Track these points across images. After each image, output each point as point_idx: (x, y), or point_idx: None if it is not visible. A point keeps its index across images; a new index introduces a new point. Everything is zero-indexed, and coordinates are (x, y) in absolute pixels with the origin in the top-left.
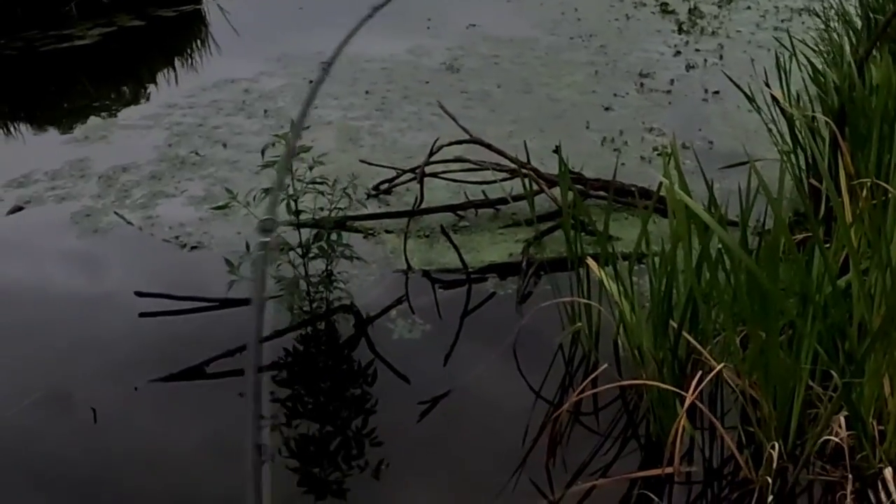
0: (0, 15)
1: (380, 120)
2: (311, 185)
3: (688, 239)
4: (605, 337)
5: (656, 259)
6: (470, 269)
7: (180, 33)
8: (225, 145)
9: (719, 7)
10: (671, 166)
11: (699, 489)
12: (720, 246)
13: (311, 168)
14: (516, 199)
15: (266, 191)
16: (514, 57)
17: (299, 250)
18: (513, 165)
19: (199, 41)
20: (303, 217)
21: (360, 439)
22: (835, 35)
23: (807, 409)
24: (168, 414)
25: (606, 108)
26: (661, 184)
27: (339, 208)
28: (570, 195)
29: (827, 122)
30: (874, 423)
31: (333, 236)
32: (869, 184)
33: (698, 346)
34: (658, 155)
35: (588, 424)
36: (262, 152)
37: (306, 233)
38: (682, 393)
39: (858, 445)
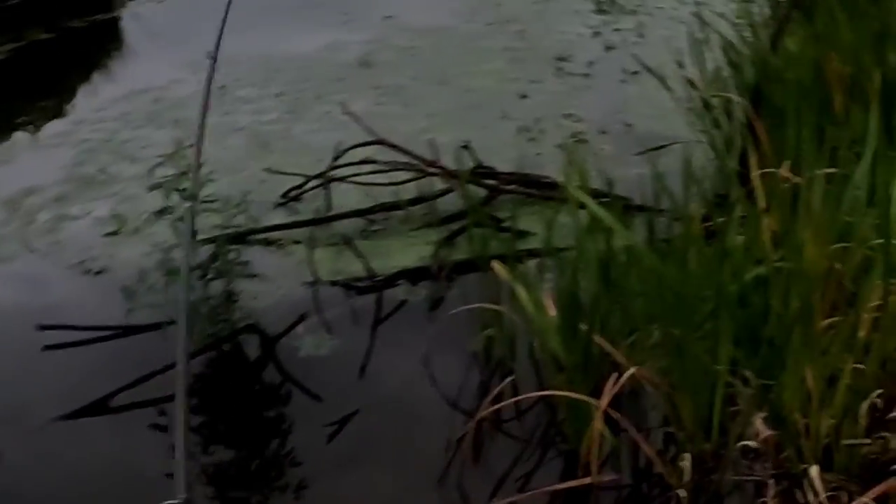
0: None
1: (291, 123)
2: (204, 203)
3: (591, 236)
4: (525, 338)
5: (563, 258)
6: (380, 277)
7: (93, 44)
8: (133, 160)
9: None
10: (572, 162)
11: (627, 494)
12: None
13: (202, 185)
14: (418, 200)
15: (159, 213)
16: (430, 47)
17: (197, 272)
18: (422, 164)
19: (111, 51)
20: (203, 236)
21: (277, 462)
22: (755, 7)
23: (729, 406)
24: (74, 451)
25: (523, 96)
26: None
27: (234, 226)
28: (480, 192)
29: (741, 103)
30: (800, 417)
31: (233, 254)
32: (784, 167)
33: (610, 349)
34: (576, 142)
35: (511, 431)
36: (149, 172)
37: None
38: (594, 402)
39: (782, 443)
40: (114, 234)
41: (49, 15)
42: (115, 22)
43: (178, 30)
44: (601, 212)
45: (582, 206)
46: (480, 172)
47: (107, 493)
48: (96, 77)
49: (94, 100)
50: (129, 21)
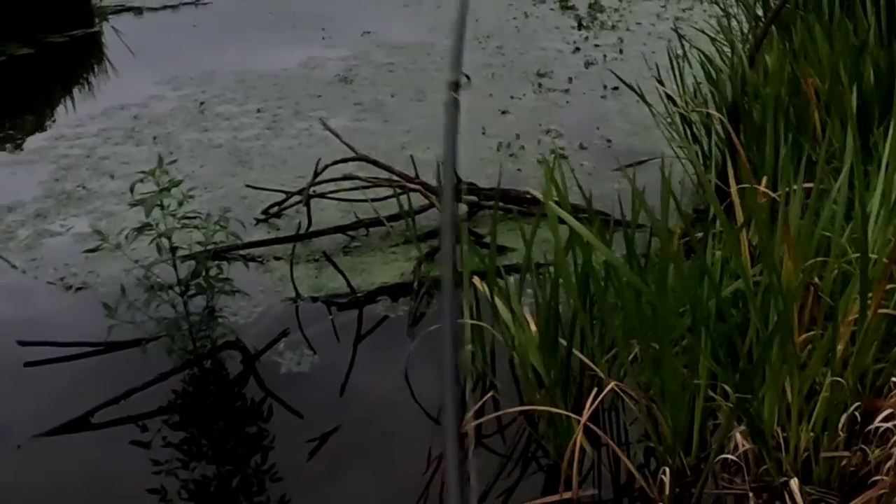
0: None
1: (270, 139)
2: (181, 221)
3: (570, 254)
4: (504, 354)
5: (542, 274)
6: (360, 293)
7: (72, 60)
8: (112, 176)
9: (620, 0)
10: (549, 178)
11: None
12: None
13: (180, 203)
14: (398, 217)
15: (138, 230)
16: (408, 63)
17: (177, 289)
18: (401, 181)
19: (91, 67)
20: (182, 252)
21: (259, 477)
22: (734, 22)
23: (709, 419)
24: (57, 468)
25: (503, 112)
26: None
27: (214, 243)
28: (460, 209)
29: (719, 118)
30: (778, 431)
31: (213, 271)
32: (762, 183)
33: (589, 364)
34: (555, 158)
35: (492, 446)
36: (131, 189)
37: (186, 269)
38: (575, 416)
39: (762, 457)
40: (93, 250)
41: (28, 30)
42: (95, 37)
43: (156, 46)
44: (580, 227)
45: (561, 221)
46: (460, 188)
47: None
48: (76, 93)
49: (73, 116)
50: (110, 36)
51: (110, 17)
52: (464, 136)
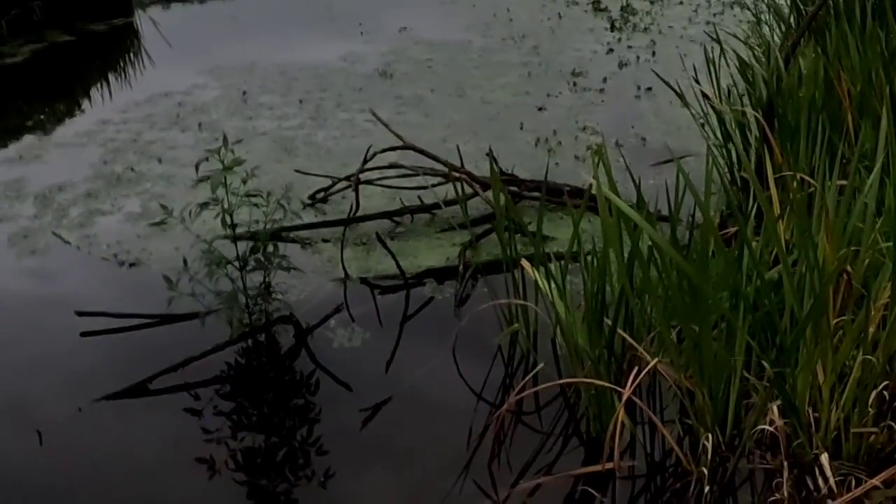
0: None
1: (314, 129)
2: (245, 198)
3: (618, 238)
4: (544, 336)
5: (589, 258)
6: (408, 275)
7: (112, 47)
8: (160, 160)
9: (651, 3)
10: (600, 166)
11: (643, 482)
12: (651, 244)
13: (244, 181)
14: (450, 203)
15: (202, 205)
16: (446, 60)
17: (237, 263)
18: (446, 170)
19: (131, 55)
20: (239, 230)
21: (305, 449)
22: (766, 27)
23: (743, 399)
24: (114, 432)
25: (540, 109)
26: (590, 183)
27: (274, 220)
28: (503, 198)
29: (755, 116)
30: (809, 411)
31: (270, 248)
32: (798, 176)
33: (633, 343)
34: (590, 153)
35: (531, 423)
36: (196, 167)
37: (243, 246)
38: (619, 389)
39: (794, 433)
40: (160, 223)
41: (69, 18)
42: (133, 27)
43: (195, 36)
44: (630, 211)
45: (609, 209)
46: (503, 179)
47: (142, 471)
48: (119, 80)
49: (118, 101)
50: (147, 26)
51: (147, 7)
52: (503, 131)
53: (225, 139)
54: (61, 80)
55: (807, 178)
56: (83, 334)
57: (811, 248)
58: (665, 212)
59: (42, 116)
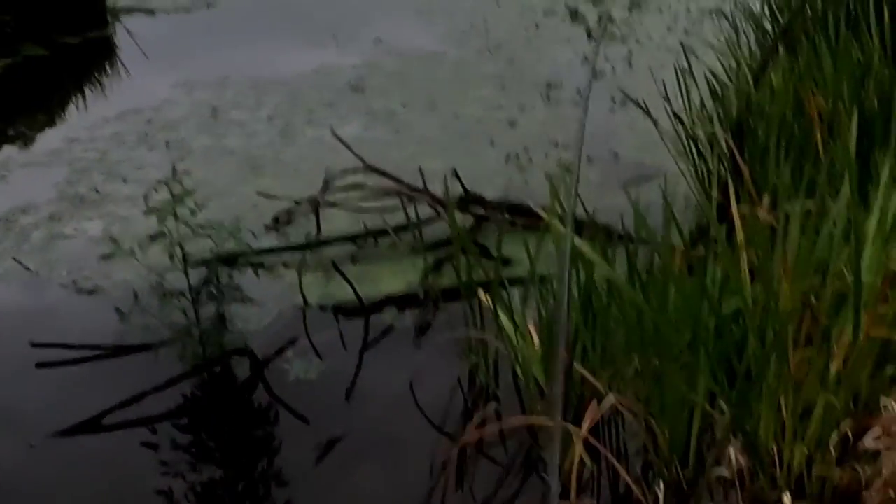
0: None
1: (283, 146)
2: (197, 229)
3: (573, 268)
4: (506, 366)
5: (545, 288)
6: (367, 303)
7: (86, 61)
8: (125, 180)
9: (629, 12)
10: (554, 193)
11: None
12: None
13: (192, 213)
14: (406, 227)
15: (152, 238)
16: (420, 73)
17: (189, 295)
18: (410, 192)
19: (105, 69)
20: (196, 258)
21: (265, 482)
22: (743, 37)
23: (706, 435)
24: (68, 469)
25: (512, 124)
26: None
27: (225, 249)
28: (467, 220)
29: (724, 136)
30: (773, 449)
31: (225, 278)
32: (764, 201)
33: (590, 377)
34: (563, 171)
35: (495, 456)
36: (145, 199)
37: (198, 275)
38: (575, 429)
39: (756, 472)
40: (108, 256)
41: (43, 30)
42: (108, 39)
43: (170, 48)
44: (582, 244)
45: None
46: (468, 200)
47: None
48: (90, 95)
49: (87, 118)
50: (123, 38)
51: (123, 18)
52: (473, 147)
53: (174, 169)
54: (32, 96)
55: (765, 210)
56: (38, 365)
57: (771, 285)
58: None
59: (10, 134)
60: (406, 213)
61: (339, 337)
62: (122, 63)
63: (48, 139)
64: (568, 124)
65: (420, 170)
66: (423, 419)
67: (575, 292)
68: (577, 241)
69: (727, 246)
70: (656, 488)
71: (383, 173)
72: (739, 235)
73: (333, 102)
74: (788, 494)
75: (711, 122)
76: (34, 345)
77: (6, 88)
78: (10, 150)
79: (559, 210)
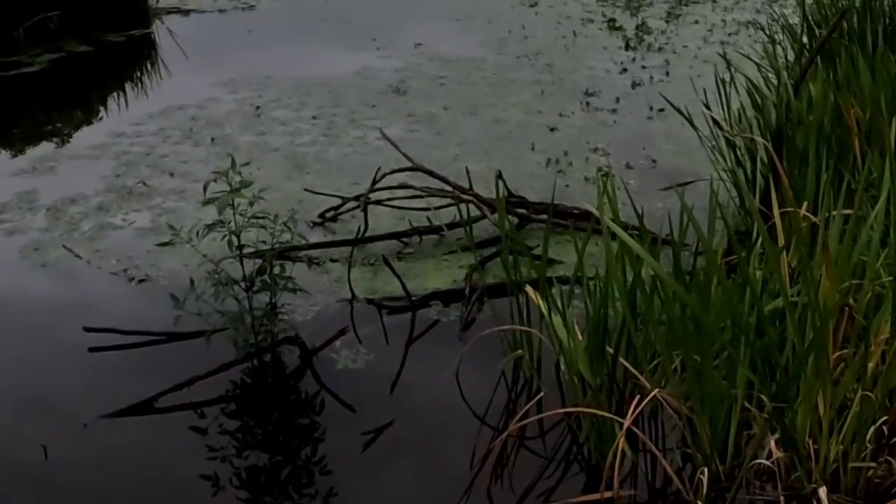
0: None
1: (326, 145)
2: (252, 220)
3: (621, 265)
4: (549, 361)
5: (591, 284)
6: (414, 297)
7: (129, 59)
8: (172, 174)
9: (667, 22)
10: (604, 194)
11: None
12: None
13: (251, 203)
14: (455, 225)
15: (210, 226)
16: (460, 77)
17: (243, 284)
18: (455, 192)
19: (147, 67)
20: (247, 250)
21: (309, 468)
22: (779, 48)
23: (744, 430)
24: (119, 448)
25: (552, 129)
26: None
27: (280, 243)
28: (512, 220)
29: (763, 144)
30: (809, 443)
31: (276, 269)
32: (804, 206)
33: (634, 372)
34: (608, 176)
35: (534, 448)
36: (204, 188)
37: (250, 266)
38: (619, 420)
39: (793, 466)
40: (166, 244)
41: (87, 28)
42: (150, 37)
43: (211, 48)
44: (632, 242)
45: (613, 236)
46: (511, 201)
47: (146, 489)
48: (134, 91)
49: (133, 114)
50: (164, 37)
51: (164, 18)
52: (514, 151)
53: (233, 161)
54: (77, 90)
55: (804, 213)
56: (91, 350)
57: (812, 284)
58: (675, 236)
59: (57, 127)
60: (459, 212)
61: (386, 330)
62: (163, 61)
63: (94, 133)
64: (606, 131)
65: (466, 170)
66: (467, 410)
67: (621, 289)
68: (627, 238)
69: (770, 247)
70: (698, 475)
71: (431, 173)
72: (780, 238)
73: (375, 104)
74: (824, 487)
75: (751, 129)
76: (87, 329)
77: (51, 82)
78: (57, 143)
79: (607, 211)
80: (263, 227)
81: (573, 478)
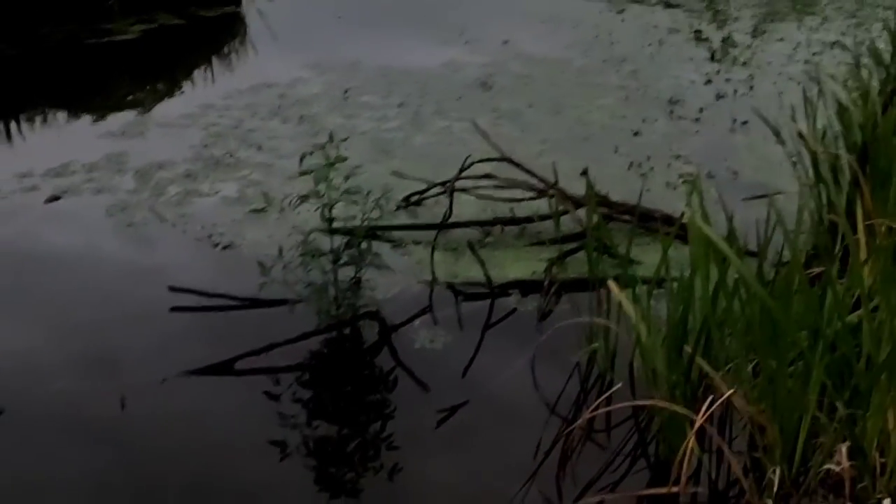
0: (44, 6)
1: (412, 133)
2: (345, 195)
3: (706, 268)
4: (621, 357)
5: (675, 285)
6: (493, 285)
7: (219, 34)
8: (259, 148)
9: (752, 37)
10: (694, 196)
11: None
12: (736, 276)
13: (346, 178)
14: (542, 218)
15: (303, 198)
16: (546, 77)
17: (330, 256)
18: (540, 185)
19: (237, 43)
20: (335, 224)
21: (377, 443)
22: (864, 71)
23: (812, 438)
24: (194, 406)
25: (635, 133)
26: (683, 212)
27: (370, 219)
28: (595, 217)
29: (848, 160)
30: (877, 455)
31: (364, 245)
32: (887, 222)
33: (711, 371)
34: (683, 182)
35: (600, 441)
36: (301, 159)
37: (337, 240)
38: (692, 416)
39: (860, 476)
40: (259, 210)
41: (180, 1)
42: (241, 16)
43: (299, 31)
44: (721, 243)
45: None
46: (596, 199)
47: (221, 448)
48: (224, 66)
49: (221, 88)
50: (255, 17)
51: None
52: (597, 152)
53: (331, 136)
54: (168, 61)
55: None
56: (173, 309)
57: (893, 296)
58: (750, 247)
59: (147, 95)
60: (548, 204)
61: (464, 314)
62: (252, 41)
63: (184, 103)
64: (689, 139)
65: (553, 166)
66: (538, 399)
67: (705, 291)
68: (717, 240)
69: (857, 257)
70: (771, 476)
71: (518, 165)
72: (863, 252)
73: (462, 96)
74: (889, 499)
75: (835, 146)
76: (172, 289)
77: (143, 52)
78: (146, 110)
79: (696, 215)
80: (356, 202)
81: (637, 473)
